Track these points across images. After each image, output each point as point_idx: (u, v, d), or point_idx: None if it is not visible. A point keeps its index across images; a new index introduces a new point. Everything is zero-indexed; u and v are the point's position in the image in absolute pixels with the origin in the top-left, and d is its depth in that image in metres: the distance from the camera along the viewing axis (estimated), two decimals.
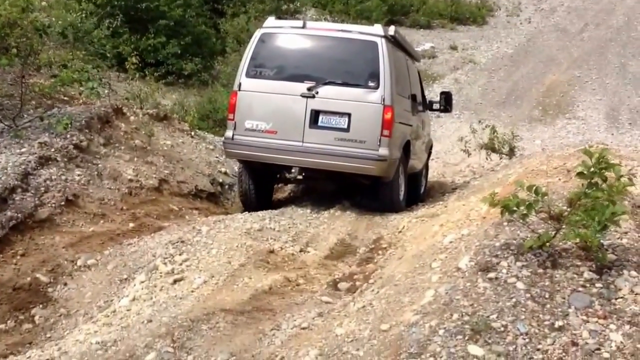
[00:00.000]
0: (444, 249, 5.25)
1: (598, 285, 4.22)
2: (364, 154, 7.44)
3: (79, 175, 8.11)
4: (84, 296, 6.27)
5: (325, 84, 7.52)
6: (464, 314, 4.09)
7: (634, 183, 4.60)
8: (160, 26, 21.72)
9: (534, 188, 4.41)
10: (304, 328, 5.02)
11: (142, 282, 6.20)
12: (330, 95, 7.48)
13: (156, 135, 10.15)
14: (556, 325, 3.93)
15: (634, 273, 4.30)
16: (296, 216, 7.79)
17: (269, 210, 8.23)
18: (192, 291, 5.79)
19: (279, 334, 4.98)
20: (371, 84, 7.46)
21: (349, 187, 8.56)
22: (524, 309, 4.05)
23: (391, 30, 8.10)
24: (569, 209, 4.57)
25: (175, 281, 6.04)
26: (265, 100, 7.62)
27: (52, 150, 8.18)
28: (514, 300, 4.13)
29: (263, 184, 8.22)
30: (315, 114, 7.53)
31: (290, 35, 7.98)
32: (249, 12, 24.35)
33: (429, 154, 10.41)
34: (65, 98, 10.73)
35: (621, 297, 4.12)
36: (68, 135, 8.51)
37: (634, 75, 25.94)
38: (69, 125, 8.49)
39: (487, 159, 14.70)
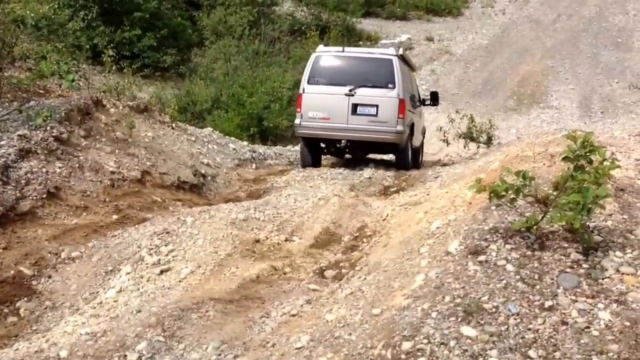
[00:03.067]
0: (431, 234, 5.30)
1: (585, 266, 4.30)
2: (387, 129, 10.87)
3: (60, 167, 8.02)
4: (69, 288, 6.22)
5: (360, 87, 11.00)
6: (455, 296, 4.15)
7: (619, 165, 4.69)
8: (136, 19, 21.52)
9: (522, 173, 4.48)
10: (293, 315, 5.05)
11: (128, 273, 6.18)
12: (364, 94, 10.98)
13: (137, 127, 10.06)
14: (546, 306, 4.00)
15: (619, 253, 4.39)
16: (280, 206, 7.80)
17: (254, 201, 8.25)
18: (180, 281, 5.78)
19: (269, 321, 5.00)
20: (390, 85, 10.98)
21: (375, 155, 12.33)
22: (514, 290, 4.12)
23: (400, 51, 11.77)
24: (554, 193, 4.65)
25: (162, 272, 6.03)
26: (321, 98, 11.04)
27: (32, 142, 8.08)
28: (504, 282, 4.20)
29: (315, 153, 11.75)
30: (354, 106, 10.97)
31: (334, 57, 11.60)
32: (226, 3, 24.20)
33: (423, 136, 13.99)
34: (41, 91, 10.59)
35: (608, 277, 4.21)
36: (48, 128, 8.41)
37: (605, 65, 26.32)
38: (49, 118, 8.39)
39: (465, 147, 14.84)
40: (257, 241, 6.71)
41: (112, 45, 15.33)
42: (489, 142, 15.32)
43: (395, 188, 9.64)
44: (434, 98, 13.20)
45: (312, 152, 11.57)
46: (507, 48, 28.93)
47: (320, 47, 11.97)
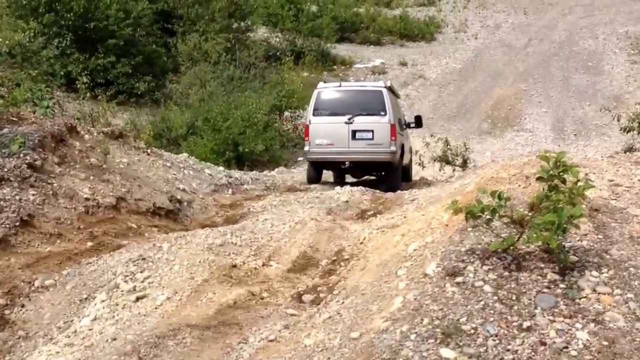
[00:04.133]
0: (408, 257, 5.30)
1: (562, 286, 4.33)
2: (382, 150, 12.41)
3: (33, 195, 7.91)
4: (43, 317, 6.09)
5: (357, 115, 12.54)
6: (434, 318, 4.14)
7: (593, 185, 4.74)
8: (110, 46, 21.49)
9: (497, 193, 4.51)
10: (271, 340, 4.99)
11: (103, 301, 6.08)
12: (361, 121, 12.54)
13: (112, 153, 9.98)
14: (524, 326, 4.01)
15: (595, 273, 4.42)
16: (257, 231, 7.76)
17: (230, 226, 8.19)
18: (156, 308, 5.70)
19: (247, 347, 4.94)
20: (382, 113, 12.50)
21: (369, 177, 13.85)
22: (492, 311, 4.12)
23: (388, 83, 13.54)
24: (530, 213, 4.68)
25: (137, 299, 5.94)
26: (325, 127, 12.64)
27: (5, 170, 7.96)
28: (482, 303, 4.20)
29: (319, 172, 13.39)
30: (354, 132, 12.54)
31: (333, 91, 13.27)
32: (200, 30, 24.30)
33: (411, 154, 15.29)
34: (15, 118, 10.46)
35: (584, 297, 4.23)
36: (21, 155, 8.30)
37: (577, 88, 26.82)
38: (23, 145, 8.29)
39: (441, 170, 14.95)
40: (234, 266, 6.65)
41: (86, 72, 15.27)
42: (464, 165, 15.48)
43: (373, 211, 9.65)
44: (418, 121, 14.52)
45: (317, 171, 13.39)
46: (480, 72, 29.36)
47: (321, 84, 13.54)
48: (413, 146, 16.78)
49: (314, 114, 12.74)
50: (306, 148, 12.94)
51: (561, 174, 4.46)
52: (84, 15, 21.26)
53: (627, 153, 9.92)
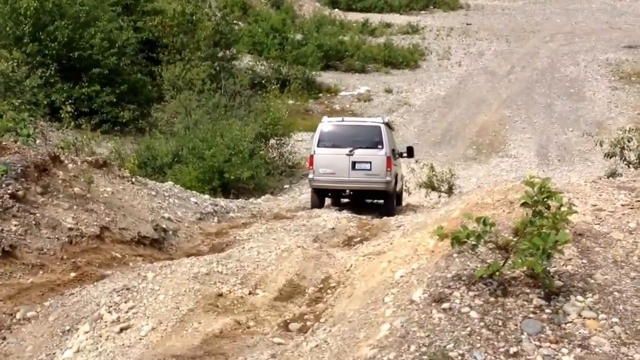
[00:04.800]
0: (395, 283, 5.28)
1: (547, 311, 4.32)
2: (379, 180, 13.46)
3: (15, 225, 7.83)
4: (25, 350, 5.99)
5: (357, 148, 13.57)
6: (421, 345, 4.11)
7: (576, 210, 4.77)
8: (94, 75, 21.49)
9: (482, 219, 4.52)
10: None
11: (86, 332, 5.99)
12: (360, 153, 13.56)
13: (96, 182, 9.91)
14: (511, 352, 3.99)
15: (580, 298, 4.43)
16: (243, 259, 7.71)
17: (216, 254, 8.14)
18: (140, 339, 5.63)
19: None
20: (379, 146, 13.57)
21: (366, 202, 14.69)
22: (479, 337, 4.10)
23: (385, 119, 15.01)
24: (515, 239, 4.69)
25: (121, 329, 5.86)
26: (328, 158, 13.63)
27: None
28: (468, 329, 4.18)
29: (322, 198, 14.33)
30: (354, 163, 13.55)
31: (336, 125, 14.29)
32: (185, 59, 24.39)
33: (403, 182, 16.17)
34: None
35: (570, 322, 4.23)
36: (3, 185, 8.23)
37: (560, 114, 27.12)
38: (5, 174, 8.22)
39: (426, 197, 14.99)
40: (220, 295, 6.59)
41: (70, 101, 15.23)
42: (450, 191, 15.54)
43: (359, 238, 9.65)
44: (410, 152, 15.49)
45: (320, 197, 14.28)
46: (464, 99, 29.63)
47: (325, 118, 14.75)
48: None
49: (318, 146, 13.79)
50: (310, 176, 13.91)
51: (545, 199, 4.48)
52: (68, 44, 21.27)
53: (610, 178, 10.01)
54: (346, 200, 14.86)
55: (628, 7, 50.60)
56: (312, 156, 13.79)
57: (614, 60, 34.18)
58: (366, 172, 13.40)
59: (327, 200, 14.82)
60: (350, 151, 13.45)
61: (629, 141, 17.04)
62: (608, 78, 31.72)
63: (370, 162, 13.41)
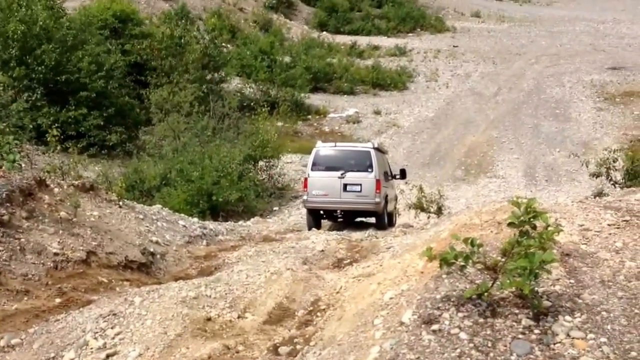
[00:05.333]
0: (384, 305, 5.25)
1: (536, 331, 4.31)
2: (369, 201, 14.31)
3: (0, 250, 7.73)
4: None
5: (348, 171, 14.44)
6: None
7: (562, 229, 4.77)
8: (82, 98, 21.47)
9: (470, 240, 4.52)
10: None
11: (72, 359, 5.90)
12: (351, 176, 14.43)
13: (82, 206, 9.83)
14: None
15: (568, 318, 4.42)
16: (232, 282, 7.65)
17: (204, 278, 8.08)
18: None
19: None
20: (369, 170, 14.38)
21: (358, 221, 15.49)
22: (468, 359, 4.08)
23: (375, 144, 15.64)
24: (503, 259, 4.69)
25: (108, 356, 5.78)
26: (321, 180, 14.48)
27: None
28: (458, 350, 4.15)
29: (317, 219, 15.06)
30: (345, 185, 14.39)
31: (329, 150, 15.14)
32: (174, 82, 24.41)
33: (396, 201, 16.80)
34: None
35: (559, 342, 4.22)
36: None
37: (546, 135, 27.33)
38: None
39: (416, 218, 15.01)
40: (209, 319, 6.52)
41: (56, 125, 15.16)
42: (439, 212, 15.58)
43: (348, 260, 9.61)
44: (402, 174, 16.42)
45: (315, 218, 15.03)
46: (452, 120, 29.82)
47: (319, 143, 15.61)
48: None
49: (312, 169, 14.69)
50: (304, 197, 14.80)
51: (531, 219, 4.49)
52: (56, 68, 21.26)
53: (597, 198, 10.07)
54: (341, 219, 15.57)
55: (611, 30, 51.36)
56: (306, 179, 14.77)
57: (598, 82, 34.58)
58: (357, 194, 14.28)
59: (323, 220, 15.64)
60: (342, 174, 14.35)
61: (614, 161, 17.21)
62: (593, 99, 32.06)
63: (360, 184, 14.30)
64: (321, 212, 14.98)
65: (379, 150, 15.65)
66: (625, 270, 5.07)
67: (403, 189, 16.16)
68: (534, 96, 32.94)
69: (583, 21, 55.59)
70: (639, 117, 29.09)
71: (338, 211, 14.82)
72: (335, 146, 15.57)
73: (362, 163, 14.48)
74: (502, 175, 23.35)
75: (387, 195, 15.02)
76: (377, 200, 14.27)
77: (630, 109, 30.30)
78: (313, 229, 14.58)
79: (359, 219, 15.85)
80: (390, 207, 15.50)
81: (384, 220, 14.74)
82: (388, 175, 15.66)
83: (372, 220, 15.32)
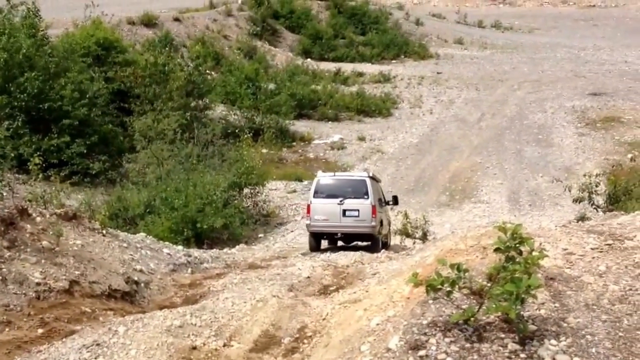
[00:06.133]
0: (371, 331, 5.23)
1: (522, 355, 4.31)
2: (365, 225, 15.50)
3: None
4: None
5: (347, 198, 15.66)
6: None
7: (547, 254, 4.80)
8: (64, 126, 21.32)
9: (456, 265, 4.53)
10: None
11: None
12: (350, 203, 15.64)
13: (65, 235, 9.74)
14: None
15: (554, 342, 4.42)
16: (218, 310, 7.59)
17: (190, 306, 8.01)
18: None
19: None
20: (365, 196, 15.58)
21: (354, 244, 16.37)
22: None
23: (371, 173, 17.31)
24: (489, 284, 4.70)
25: None
26: (322, 207, 15.72)
27: None
28: None
29: (318, 241, 16.24)
30: (344, 211, 15.61)
31: (329, 179, 16.59)
32: (158, 109, 24.37)
33: (389, 226, 17.83)
34: None
35: None
36: None
37: (529, 160, 27.56)
38: None
39: (401, 243, 15.02)
40: (194, 348, 6.46)
41: (39, 153, 15.05)
42: (424, 237, 15.63)
43: (334, 286, 9.58)
44: (395, 200, 17.72)
45: (316, 240, 16.23)
46: (436, 146, 29.99)
47: (320, 173, 17.09)
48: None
49: (314, 196, 15.97)
50: (307, 222, 16.19)
51: (517, 245, 4.51)
52: (38, 96, 21.14)
53: (580, 222, 10.15)
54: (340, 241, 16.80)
55: (592, 56, 52.15)
56: (309, 205, 16.04)
57: (579, 107, 35.00)
58: (354, 218, 15.53)
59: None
60: (341, 201, 15.59)
61: (596, 186, 17.39)
62: (575, 124, 32.42)
63: (358, 210, 15.52)
64: (323, 234, 16.24)
65: (374, 179, 16.91)
66: (609, 293, 5.10)
67: (388, 215, 16.18)
68: (517, 122, 33.27)
69: (564, 48, 56.42)
70: (620, 142, 29.43)
71: (338, 234, 16.16)
72: (335, 176, 17.15)
73: (359, 191, 15.72)
74: (486, 200, 23.45)
75: (382, 220, 16.21)
76: (374, 224, 15.48)
77: (611, 134, 30.66)
78: (299, 255, 14.72)
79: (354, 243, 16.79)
80: (384, 231, 16.74)
81: (379, 242, 15.79)
82: (382, 202, 16.79)
83: (367, 243, 16.26)
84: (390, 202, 17.67)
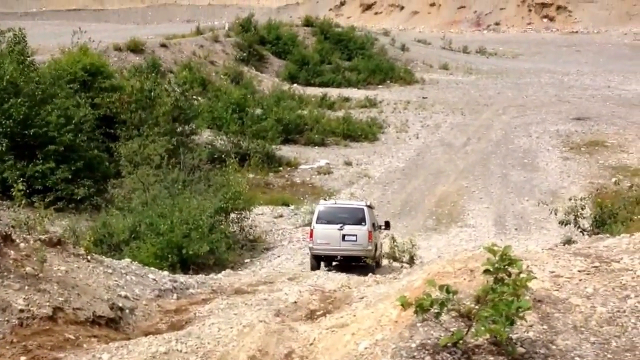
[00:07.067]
0: (359, 356, 5.18)
1: None
2: (362, 249, 17.04)
3: None
4: None
5: (346, 224, 17.32)
6: None
7: (535, 276, 4.79)
8: (50, 151, 21.23)
9: (445, 287, 4.50)
10: None
11: None
12: (348, 229, 17.27)
13: (49, 261, 9.60)
14: None
15: None
16: (204, 336, 7.50)
17: (175, 332, 7.91)
18: None
19: None
20: (363, 223, 17.31)
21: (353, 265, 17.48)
22: None
23: (368, 202, 19.11)
24: (477, 307, 4.67)
25: None
26: (324, 232, 17.29)
27: None
28: None
29: (318, 262, 17.70)
30: (343, 236, 17.26)
31: (330, 207, 18.27)
32: (144, 134, 24.33)
33: (382, 249, 18.85)
34: None
35: None
36: None
37: (515, 184, 27.73)
38: None
39: (389, 267, 14.98)
40: None
41: (23, 179, 14.92)
42: (411, 261, 15.61)
43: (322, 311, 9.51)
44: (387, 225, 19.15)
45: (317, 262, 17.69)
46: (422, 170, 30.11)
47: (321, 201, 19.26)
48: None
49: (316, 222, 17.57)
50: (310, 245, 17.75)
51: (506, 266, 4.50)
52: (24, 122, 21.07)
53: (566, 245, 10.17)
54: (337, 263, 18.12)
55: (575, 81, 52.86)
56: (312, 230, 17.63)
57: (564, 132, 35.38)
58: (353, 243, 17.17)
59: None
60: (340, 226, 17.23)
61: (582, 209, 17.50)
62: (559, 149, 32.74)
63: (356, 235, 17.17)
64: (324, 257, 17.78)
65: (369, 206, 18.81)
66: (597, 315, 5.09)
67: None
68: (502, 146, 33.52)
69: (547, 73, 57.15)
70: (605, 166, 29.70)
71: (338, 256, 17.75)
72: (335, 204, 18.93)
73: (357, 217, 17.46)
74: (472, 224, 23.49)
75: (376, 244, 17.95)
76: (370, 247, 17.17)
77: (595, 158, 30.96)
78: (285, 280, 14.69)
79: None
80: (378, 253, 18.47)
81: (373, 265, 17.36)
82: (375, 227, 18.26)
83: (363, 264, 17.51)
84: (383, 227, 19.02)
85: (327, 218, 17.70)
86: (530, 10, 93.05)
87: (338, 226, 17.33)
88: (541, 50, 72.24)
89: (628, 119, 37.73)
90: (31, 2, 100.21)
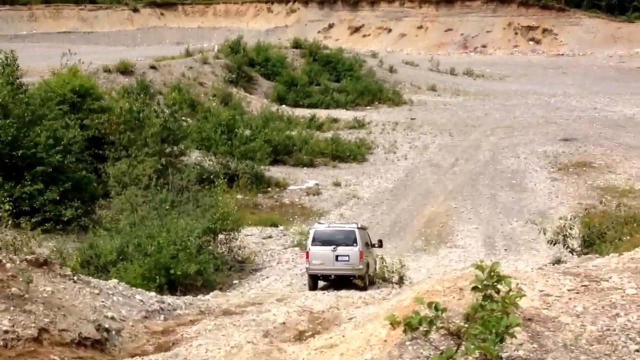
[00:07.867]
0: None
1: None
2: (354, 268, 17.85)
3: None
4: None
5: (339, 245, 18.24)
6: None
7: (524, 294, 4.77)
8: (38, 172, 21.09)
9: (434, 304, 4.47)
10: None
11: None
12: (341, 249, 18.18)
13: (35, 281, 9.49)
14: None
15: None
16: (191, 357, 7.42)
17: (162, 354, 7.82)
18: None
19: None
20: (354, 244, 18.22)
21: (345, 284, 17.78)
22: None
23: (359, 225, 19.80)
24: (466, 325, 4.64)
25: None
26: (319, 253, 18.26)
27: None
28: None
29: (314, 281, 18.67)
30: (336, 256, 18.20)
31: (324, 229, 19.29)
32: (132, 155, 24.25)
33: (375, 266, 19.56)
34: None
35: None
36: None
37: (504, 205, 27.81)
38: None
39: (378, 288, 14.92)
40: None
41: (10, 200, 14.77)
42: (400, 282, 15.57)
43: (310, 332, 9.43)
44: (380, 243, 20.10)
45: (313, 281, 18.69)
46: (411, 191, 30.16)
47: (316, 224, 20.64)
48: None
49: (312, 244, 18.54)
50: (306, 265, 18.72)
51: (495, 283, 4.48)
52: (12, 143, 20.96)
53: (555, 265, 10.19)
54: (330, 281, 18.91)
55: (562, 103, 53.37)
56: (307, 252, 18.65)
57: (551, 153, 35.62)
58: (345, 262, 18.18)
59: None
60: (334, 248, 18.23)
61: (571, 229, 17.57)
62: (547, 169, 32.93)
63: (348, 255, 18.18)
64: (319, 276, 18.81)
65: (361, 228, 19.84)
66: (587, 334, 5.07)
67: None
68: (491, 167, 33.68)
69: (534, 95, 57.69)
70: (593, 187, 29.87)
71: (332, 275, 18.78)
72: (329, 227, 20.01)
73: (349, 239, 18.51)
74: (461, 245, 23.50)
75: (368, 263, 18.89)
76: (361, 267, 18.18)
77: (583, 178, 31.14)
78: (274, 301, 14.64)
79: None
80: (370, 271, 19.36)
81: (366, 281, 18.22)
82: (368, 246, 19.46)
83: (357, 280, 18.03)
84: (376, 245, 19.98)
85: (321, 240, 18.68)
86: (516, 33, 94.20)
87: (332, 247, 18.32)
88: (528, 72, 72.99)
89: (615, 140, 38.08)
90: (22, 25, 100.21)
